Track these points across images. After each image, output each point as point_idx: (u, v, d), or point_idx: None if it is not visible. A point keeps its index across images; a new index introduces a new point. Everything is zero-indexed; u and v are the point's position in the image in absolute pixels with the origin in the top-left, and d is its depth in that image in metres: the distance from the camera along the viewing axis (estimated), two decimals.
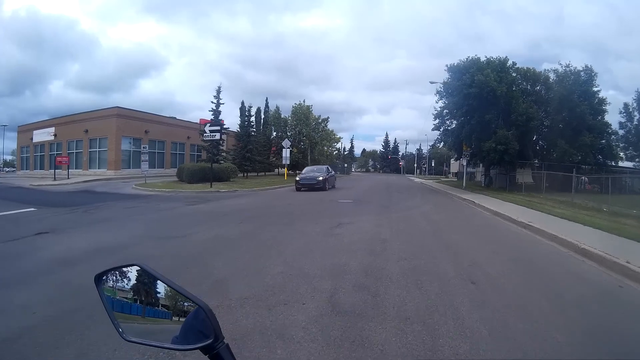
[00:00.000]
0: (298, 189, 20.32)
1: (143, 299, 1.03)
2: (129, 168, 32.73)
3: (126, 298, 1.04)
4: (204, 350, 0.91)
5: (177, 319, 0.98)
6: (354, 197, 17.82)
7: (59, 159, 32.16)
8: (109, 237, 7.16)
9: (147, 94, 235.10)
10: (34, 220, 9.53)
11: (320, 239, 7.25)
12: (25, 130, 41.49)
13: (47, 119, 40.20)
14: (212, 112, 31.41)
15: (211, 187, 20.15)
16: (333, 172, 24.99)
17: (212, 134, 22.76)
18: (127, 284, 1.04)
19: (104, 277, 1.07)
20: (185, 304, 0.98)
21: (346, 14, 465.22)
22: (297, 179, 21.30)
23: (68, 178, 28.46)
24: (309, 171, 23.23)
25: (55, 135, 37.11)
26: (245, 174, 33.19)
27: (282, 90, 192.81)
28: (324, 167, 24.91)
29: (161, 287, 1.01)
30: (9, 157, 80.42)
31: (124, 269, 1.06)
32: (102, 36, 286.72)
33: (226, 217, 10.51)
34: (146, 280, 1.02)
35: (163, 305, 1.01)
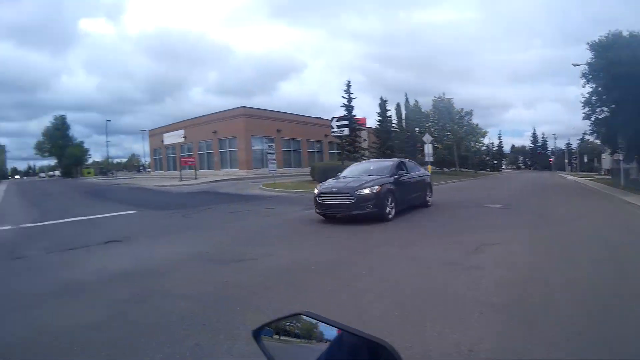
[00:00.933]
0: (320, 213, 9.81)
1: (314, 349, 0.92)
2: (262, 167, 31.65)
3: (294, 350, 0.97)
4: None
5: None
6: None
7: (184, 160, 32.85)
8: (165, 252, 6.56)
9: (289, 96, 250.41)
10: (119, 225, 9.84)
11: (441, 274, 4.86)
12: (156, 134, 44.08)
13: (176, 122, 40.75)
14: (344, 108, 29.07)
15: None
16: (417, 172, 12.29)
17: (340, 129, 20.91)
18: (292, 335, 0.98)
19: (264, 331, 1.00)
20: (366, 347, 0.86)
21: (475, 5, 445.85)
22: (317, 191, 10.01)
23: (195, 178, 28.73)
24: (351, 173, 11.14)
25: (185, 137, 37.64)
26: None
27: (421, 87, 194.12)
28: (390, 163, 11.52)
29: (333, 333, 0.90)
30: (148, 160, 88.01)
31: (287, 321, 1.00)
32: (233, 43, 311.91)
33: (337, 228, 8.61)
34: (314, 327, 0.94)
35: (339, 353, 0.89)
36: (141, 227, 9.46)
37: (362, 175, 10.43)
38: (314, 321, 0.94)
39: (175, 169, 39.06)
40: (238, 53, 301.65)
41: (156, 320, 3.44)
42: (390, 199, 9.46)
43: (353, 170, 11.42)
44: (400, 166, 11.13)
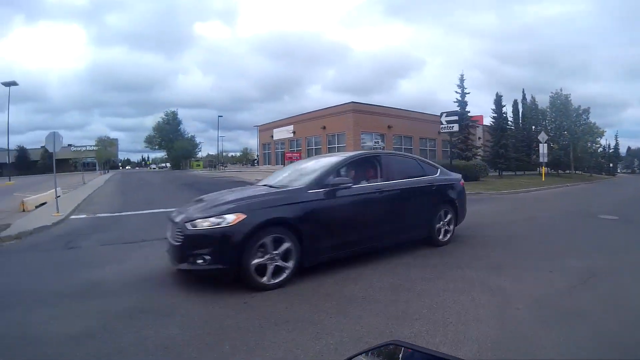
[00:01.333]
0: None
1: None
2: None
3: None
4: None
5: None
6: None
7: (288, 155, 35.24)
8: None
9: (409, 93, 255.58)
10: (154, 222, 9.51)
11: (529, 316, 3.61)
12: (266, 129, 47.14)
13: (286, 117, 43.09)
14: (457, 103, 28.84)
15: None
16: (421, 177, 6.62)
17: (449, 124, 20.10)
18: None
19: None
20: None
21: None
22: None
23: None
24: (274, 179, 6.54)
25: (294, 132, 39.77)
26: (500, 173, 29.43)
27: (537, 84, 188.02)
28: (332, 160, 5.94)
29: None
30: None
31: (380, 349, 1.02)
32: (351, 42, 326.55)
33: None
34: (408, 356, 0.97)
35: None
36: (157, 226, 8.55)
37: (284, 182, 5.83)
38: (407, 350, 0.94)
39: (283, 163, 41.67)
40: (356, 51, 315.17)
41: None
42: (279, 245, 4.61)
43: (285, 173, 6.66)
44: (356, 165, 6.04)
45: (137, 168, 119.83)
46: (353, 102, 35.91)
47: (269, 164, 47.08)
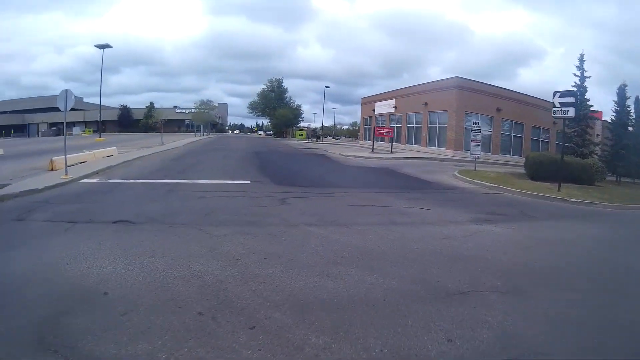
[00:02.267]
0: None
1: None
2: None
3: None
4: None
5: None
6: None
7: (379, 130, 35.09)
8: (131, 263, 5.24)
9: (528, 83, 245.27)
10: (194, 197, 9.89)
11: None
12: (368, 102, 48.11)
13: (388, 90, 43.05)
14: (575, 88, 25.38)
15: (559, 190, 14.83)
16: None
17: (563, 108, 16.01)
18: None
19: None
20: None
21: None
22: None
23: (391, 152, 30.52)
24: None
25: (395, 107, 39.59)
26: (618, 179, 25.20)
27: None
28: None
29: None
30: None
31: None
32: (472, 24, 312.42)
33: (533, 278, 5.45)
34: None
35: None
36: (194, 206, 8.91)
37: None
38: None
39: (382, 139, 42.05)
40: (477, 35, 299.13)
41: None
42: None
43: None
44: None
45: (240, 133, 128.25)
46: (458, 77, 33.92)
47: (368, 139, 47.77)
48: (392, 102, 42.12)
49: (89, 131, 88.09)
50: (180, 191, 10.63)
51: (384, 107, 43.98)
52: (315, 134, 75.07)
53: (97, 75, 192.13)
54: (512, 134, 34.49)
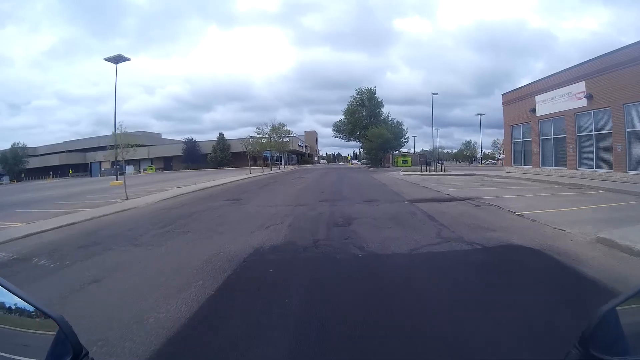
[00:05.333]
0: None
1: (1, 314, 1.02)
2: None
3: None
4: None
5: (39, 336, 0.99)
6: None
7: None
8: None
9: None
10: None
11: None
12: (519, 98, 28.76)
13: (563, 69, 22.75)
14: None
15: None
16: None
17: None
18: None
19: None
20: (44, 320, 0.98)
21: None
22: None
23: None
24: None
25: (589, 96, 19.18)
26: None
27: None
28: None
29: (19, 302, 1.01)
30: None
31: None
32: (554, 29, 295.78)
33: None
34: (3, 298, 1.02)
35: (23, 322, 1.01)
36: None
37: None
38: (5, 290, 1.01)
39: (556, 163, 23.49)
40: (560, 40, 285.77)
41: None
42: None
43: None
44: None
45: (327, 163, 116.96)
46: None
47: (523, 163, 27.27)
48: (581, 85, 21.56)
49: (151, 169, 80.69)
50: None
51: (560, 101, 23.21)
52: (424, 160, 56.20)
53: (188, 112, 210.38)
54: None
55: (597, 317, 0.98)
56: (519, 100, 28.04)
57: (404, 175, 31.03)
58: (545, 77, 25.70)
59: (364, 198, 14.33)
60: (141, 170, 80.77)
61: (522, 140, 28.06)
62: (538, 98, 25.17)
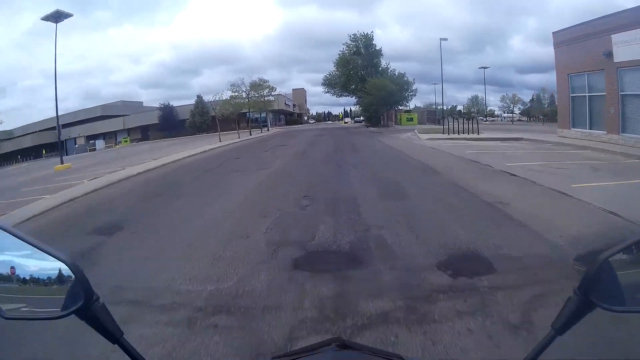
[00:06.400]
0: None
1: (8, 260, 1.01)
2: None
3: None
4: (78, 314, 0.92)
5: (50, 281, 0.98)
6: None
7: None
8: None
9: None
10: None
11: None
12: (580, 38, 21.49)
13: None
14: None
15: None
16: None
17: None
18: None
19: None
20: (55, 264, 0.97)
21: None
22: None
23: None
24: None
25: None
26: None
27: None
28: None
29: (26, 248, 0.97)
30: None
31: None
32: None
33: None
34: (8, 242, 0.97)
35: (31, 266, 0.99)
36: None
37: None
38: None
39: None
40: None
41: None
42: None
43: None
44: None
45: (315, 122, 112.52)
46: None
47: (589, 127, 20.63)
48: None
49: (126, 140, 73.51)
50: None
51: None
52: (432, 118, 49.14)
53: (177, 79, 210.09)
54: None
55: (597, 265, 0.97)
56: (582, 39, 20.68)
57: (428, 140, 24.34)
58: (628, 9, 18.66)
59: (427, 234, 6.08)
60: (115, 143, 73.88)
61: (587, 95, 21.22)
62: (616, 37, 18.23)
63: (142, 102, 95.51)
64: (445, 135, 27.11)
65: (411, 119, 48.16)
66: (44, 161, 55.98)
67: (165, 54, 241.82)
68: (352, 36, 55.58)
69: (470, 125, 28.14)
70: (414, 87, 52.19)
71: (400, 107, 52.24)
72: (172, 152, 25.61)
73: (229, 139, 36.80)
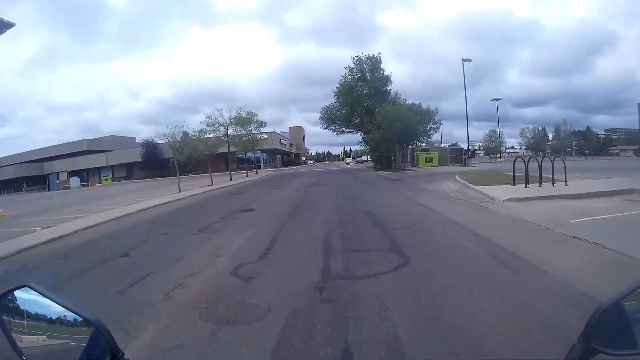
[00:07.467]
0: None
1: (41, 321, 1.05)
2: None
3: (24, 322, 1.07)
4: None
5: (78, 339, 1.01)
6: None
7: None
8: None
9: (604, 73, 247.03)
10: None
11: None
12: None
13: None
14: None
15: None
16: None
17: None
18: (22, 307, 1.07)
19: None
20: (83, 322, 1.02)
21: None
22: None
23: None
24: None
25: None
26: None
27: None
28: None
29: (56, 307, 1.04)
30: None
31: (15, 293, 1.08)
32: (541, 18, 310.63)
33: None
34: (40, 301, 1.04)
35: (61, 326, 1.03)
36: None
37: None
38: (41, 295, 1.05)
39: None
40: (548, 29, 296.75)
41: None
42: None
43: None
44: None
45: (315, 163, 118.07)
46: None
47: None
48: None
49: (106, 179, 66.36)
50: None
51: None
52: (455, 158, 39.94)
53: (175, 116, 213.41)
54: None
55: (599, 311, 1.00)
56: None
57: (514, 203, 11.48)
58: None
59: None
60: (98, 181, 66.52)
61: None
62: None
63: (134, 138, 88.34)
64: (518, 187, 15.10)
65: (430, 159, 38.67)
66: (15, 196, 52.50)
67: (164, 90, 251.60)
68: (355, 59, 45.01)
69: (537, 166, 15.99)
70: (436, 117, 41.57)
71: (421, 144, 42.56)
72: (124, 203, 20.84)
73: (198, 186, 29.66)
